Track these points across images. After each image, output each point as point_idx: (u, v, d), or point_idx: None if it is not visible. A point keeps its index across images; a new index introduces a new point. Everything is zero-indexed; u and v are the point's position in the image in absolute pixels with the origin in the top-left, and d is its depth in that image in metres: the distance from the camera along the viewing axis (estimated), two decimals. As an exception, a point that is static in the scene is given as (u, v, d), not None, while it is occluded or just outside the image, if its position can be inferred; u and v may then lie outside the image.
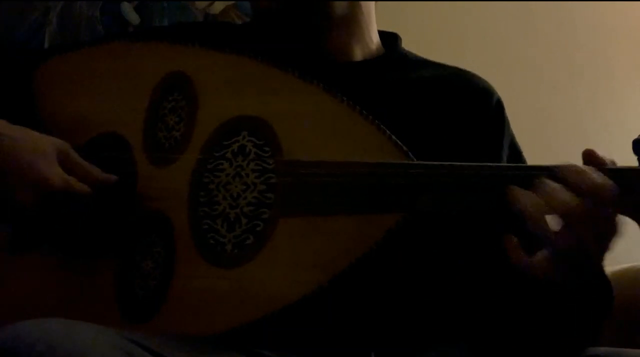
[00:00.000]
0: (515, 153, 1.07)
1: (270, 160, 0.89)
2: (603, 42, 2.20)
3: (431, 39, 1.67)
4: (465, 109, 1.05)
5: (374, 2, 1.11)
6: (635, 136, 0.84)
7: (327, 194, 0.87)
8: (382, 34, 1.13)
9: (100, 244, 0.94)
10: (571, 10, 2.16)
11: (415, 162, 0.86)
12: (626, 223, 0.83)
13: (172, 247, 0.90)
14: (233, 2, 1.77)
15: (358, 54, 1.08)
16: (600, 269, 0.87)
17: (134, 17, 1.67)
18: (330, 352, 0.90)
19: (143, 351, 0.73)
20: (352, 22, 1.07)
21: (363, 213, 0.85)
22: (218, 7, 1.76)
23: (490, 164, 0.84)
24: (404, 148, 0.87)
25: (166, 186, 0.93)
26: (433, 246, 0.97)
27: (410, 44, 1.16)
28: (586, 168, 0.79)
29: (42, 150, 0.91)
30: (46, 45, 1.59)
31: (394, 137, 0.87)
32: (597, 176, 0.78)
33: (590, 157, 0.82)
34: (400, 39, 1.14)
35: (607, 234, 0.80)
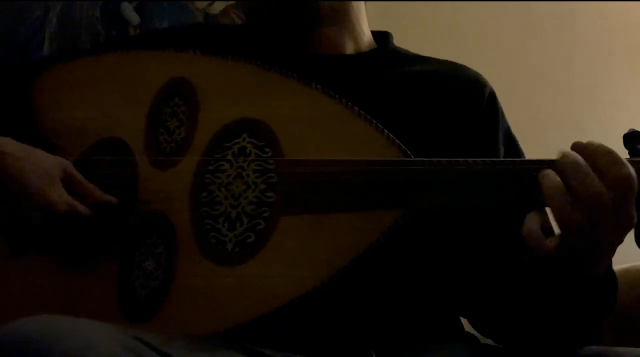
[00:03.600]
0: (512, 143, 1.07)
1: (271, 161, 0.90)
2: (602, 42, 2.20)
3: (430, 39, 1.67)
4: (457, 101, 1.06)
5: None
6: (630, 130, 0.84)
7: (327, 192, 0.87)
8: (374, 33, 1.14)
9: (102, 246, 0.95)
10: (570, 10, 2.16)
11: (414, 159, 0.86)
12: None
13: (173, 247, 0.91)
14: (233, 2, 1.77)
15: (350, 48, 1.09)
16: (609, 261, 0.87)
17: (134, 17, 1.67)
18: (332, 351, 0.91)
19: (146, 348, 0.73)
20: (342, 15, 1.07)
21: (363, 210, 0.86)
22: (218, 7, 1.76)
23: (490, 159, 0.84)
24: (402, 146, 0.87)
25: (168, 187, 0.94)
26: (433, 242, 0.97)
27: (409, 44, 1.16)
28: (619, 157, 0.77)
29: (47, 172, 0.92)
30: (46, 45, 1.59)
31: (392, 136, 0.88)
32: (628, 167, 0.76)
33: (578, 150, 0.80)
34: (392, 36, 1.15)
35: (623, 225, 0.79)
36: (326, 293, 0.85)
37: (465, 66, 1.12)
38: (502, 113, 1.09)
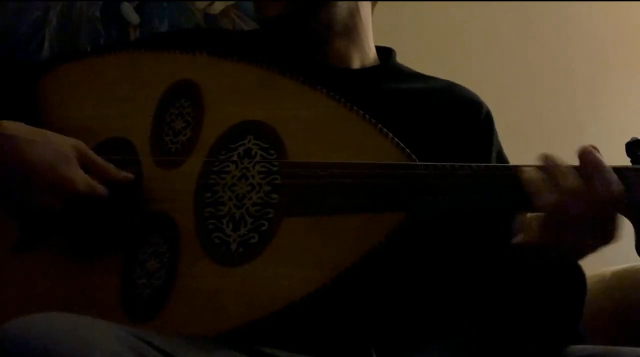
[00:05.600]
0: (502, 163, 1.09)
1: (276, 162, 0.91)
2: (601, 44, 2.20)
3: (430, 42, 1.68)
4: (454, 120, 1.08)
5: (370, 10, 1.14)
6: (632, 138, 0.86)
7: (331, 194, 0.88)
8: (378, 48, 1.16)
9: (106, 243, 0.94)
10: (569, 13, 2.16)
11: (418, 163, 0.87)
12: (624, 222, 0.84)
13: (176, 247, 0.91)
14: (233, 2, 1.77)
15: (356, 62, 1.11)
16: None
17: (134, 17, 1.67)
18: (333, 349, 0.91)
19: (148, 347, 0.74)
20: (352, 30, 1.10)
21: (367, 213, 0.86)
22: (218, 7, 1.76)
23: (496, 164, 0.86)
24: (407, 150, 0.88)
25: (172, 187, 0.94)
26: (435, 245, 0.98)
27: (410, 49, 1.18)
28: (605, 165, 0.81)
29: (62, 153, 0.91)
30: (46, 45, 1.58)
31: (396, 139, 0.89)
32: (610, 175, 0.81)
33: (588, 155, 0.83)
34: (395, 53, 1.18)
35: (602, 233, 0.82)
36: (329, 295, 0.85)
37: (463, 87, 1.15)
38: (496, 134, 1.12)
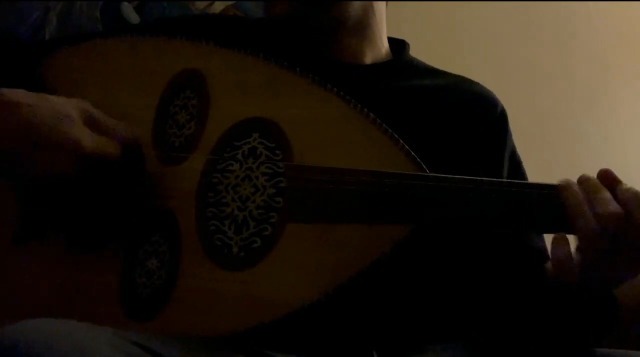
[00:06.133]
0: (516, 164, 1.08)
1: (281, 164, 0.89)
2: (600, 45, 2.20)
3: (429, 42, 1.67)
4: (466, 118, 1.06)
5: (385, 6, 1.13)
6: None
7: (337, 201, 0.86)
8: (391, 40, 1.15)
9: (106, 240, 0.93)
10: (568, 13, 2.17)
11: (428, 174, 0.85)
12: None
13: (177, 246, 0.90)
14: (233, 2, 1.77)
15: (368, 58, 1.09)
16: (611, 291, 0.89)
17: (134, 17, 1.67)
18: (333, 351, 0.91)
19: (143, 352, 0.72)
20: (365, 26, 1.09)
21: (372, 223, 0.85)
22: (218, 7, 1.76)
23: (505, 180, 0.84)
24: (417, 159, 0.86)
25: (174, 184, 0.92)
26: (439, 257, 0.97)
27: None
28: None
29: (65, 113, 0.86)
30: (46, 44, 1.58)
31: (407, 147, 0.87)
32: None
33: (607, 177, 0.82)
34: (409, 46, 1.16)
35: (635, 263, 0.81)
36: (330, 304, 0.83)
37: (477, 83, 1.13)
38: (511, 133, 1.10)
